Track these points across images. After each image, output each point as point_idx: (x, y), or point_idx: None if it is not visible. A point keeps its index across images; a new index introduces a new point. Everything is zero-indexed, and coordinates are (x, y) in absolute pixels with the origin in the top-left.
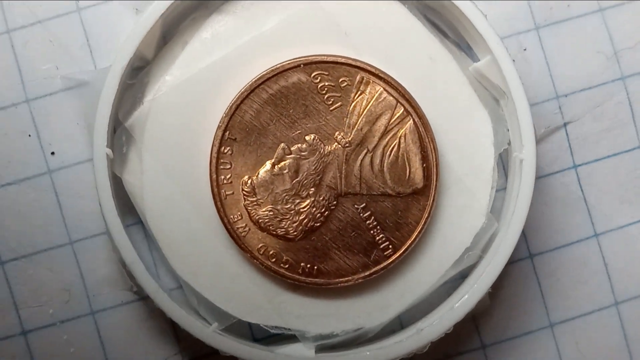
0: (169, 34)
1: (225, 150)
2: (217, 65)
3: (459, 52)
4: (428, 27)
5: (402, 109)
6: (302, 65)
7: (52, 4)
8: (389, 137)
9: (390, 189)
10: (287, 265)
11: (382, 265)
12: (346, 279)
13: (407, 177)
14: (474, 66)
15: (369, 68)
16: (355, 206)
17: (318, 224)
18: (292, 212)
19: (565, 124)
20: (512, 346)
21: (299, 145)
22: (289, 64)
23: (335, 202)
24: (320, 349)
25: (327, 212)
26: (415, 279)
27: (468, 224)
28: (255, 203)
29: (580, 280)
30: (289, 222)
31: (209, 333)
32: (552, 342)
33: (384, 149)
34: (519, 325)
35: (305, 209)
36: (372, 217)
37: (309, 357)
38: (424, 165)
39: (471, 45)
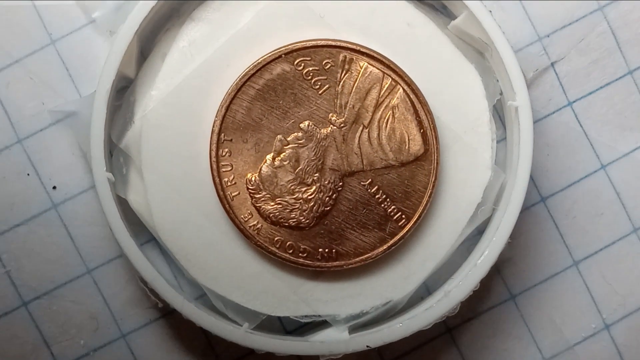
0: (146, 49)
1: (224, 153)
2: (200, 71)
3: (435, 13)
4: None
5: (390, 80)
6: (283, 55)
7: (26, 41)
8: (382, 110)
9: (392, 160)
10: (305, 254)
11: (398, 236)
12: (366, 256)
13: (407, 146)
14: (452, 24)
15: (349, 46)
16: (362, 183)
17: (328, 208)
18: (300, 201)
19: (552, 64)
20: (540, 291)
21: (295, 134)
22: (270, 56)
23: (341, 184)
24: (353, 329)
25: (335, 195)
26: (433, 243)
27: (475, 179)
28: (262, 199)
29: (596, 214)
30: (299, 211)
31: (242, 334)
32: (579, 279)
33: (379, 122)
34: (543, 269)
35: (313, 196)
36: (380, 191)
37: (343, 339)
38: (421, 130)
39: (445, 4)
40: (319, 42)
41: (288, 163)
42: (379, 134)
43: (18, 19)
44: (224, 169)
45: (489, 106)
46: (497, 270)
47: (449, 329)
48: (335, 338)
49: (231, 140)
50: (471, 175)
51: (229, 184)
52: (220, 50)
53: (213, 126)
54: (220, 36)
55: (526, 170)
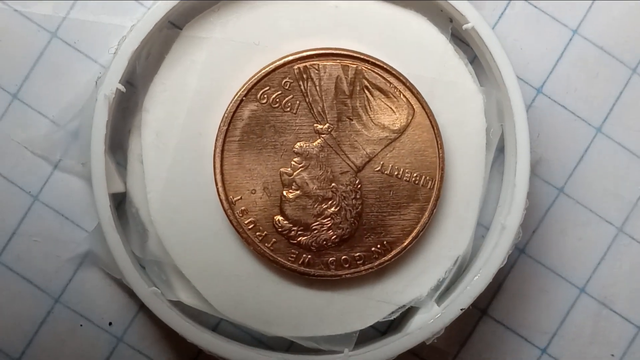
0: (118, 155)
1: (241, 213)
2: (179, 154)
3: None
4: None
5: (348, 65)
6: (243, 98)
7: (12, 210)
8: (357, 96)
9: (390, 134)
10: (362, 260)
11: (434, 197)
12: (415, 231)
13: (395, 115)
14: None
15: (296, 56)
16: (376, 170)
17: (359, 209)
18: (331, 216)
19: None
20: (581, 171)
21: (294, 160)
22: (232, 105)
23: (357, 181)
24: (439, 299)
25: (358, 194)
26: (467, 185)
27: (471, 109)
28: (298, 234)
29: (592, 77)
30: (335, 226)
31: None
32: (609, 142)
33: (360, 108)
34: (573, 150)
35: (339, 206)
36: (396, 167)
37: (436, 314)
38: (400, 94)
39: None
40: (267, 68)
41: (302, 189)
42: (366, 118)
43: None
44: (249, 227)
45: (447, 38)
46: (535, 175)
47: (521, 250)
48: (429, 317)
49: (241, 197)
50: (465, 108)
51: (261, 237)
52: (186, 126)
53: (219, 194)
54: (178, 113)
55: (512, 79)
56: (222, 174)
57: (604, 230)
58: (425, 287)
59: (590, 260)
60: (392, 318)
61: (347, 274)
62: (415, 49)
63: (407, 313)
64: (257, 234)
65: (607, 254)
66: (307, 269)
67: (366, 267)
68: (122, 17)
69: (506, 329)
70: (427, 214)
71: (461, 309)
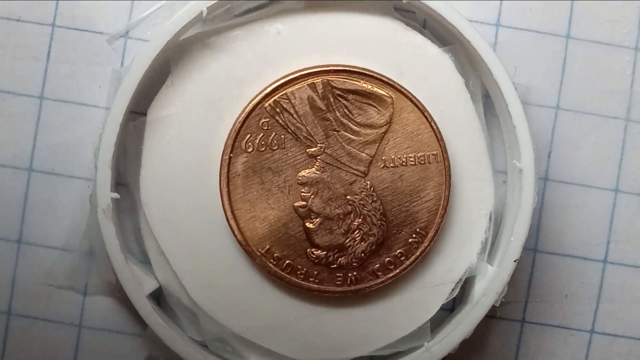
0: (142, 256)
1: (275, 262)
2: (194, 234)
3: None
4: (250, 17)
5: (314, 82)
6: (230, 156)
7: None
8: (334, 107)
9: (380, 129)
10: (404, 256)
11: (445, 168)
12: (442, 208)
13: (377, 108)
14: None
15: (262, 95)
16: (381, 167)
17: (381, 209)
18: (358, 228)
19: None
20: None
21: (302, 191)
22: (223, 167)
23: (369, 185)
24: (489, 257)
25: (375, 196)
26: (470, 139)
27: (443, 73)
28: (337, 257)
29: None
30: (366, 235)
31: (426, 353)
32: (579, 48)
33: (342, 117)
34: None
35: (362, 216)
36: (399, 156)
37: (494, 274)
38: (373, 87)
39: None
40: (240, 117)
41: (321, 215)
42: (352, 125)
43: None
44: (288, 271)
45: (392, 16)
46: (528, 104)
47: (545, 179)
48: (488, 281)
49: (268, 247)
50: (437, 72)
51: (302, 275)
52: (188, 204)
53: (247, 252)
54: (176, 195)
55: (468, 30)
56: (241, 232)
57: (614, 127)
58: (472, 254)
59: (612, 158)
60: (454, 296)
61: (395, 274)
62: (368, 39)
63: (467, 282)
64: (298, 273)
65: (625, 147)
66: (359, 286)
67: (410, 259)
68: (85, 128)
69: (562, 257)
70: (445, 186)
71: (515, 261)
